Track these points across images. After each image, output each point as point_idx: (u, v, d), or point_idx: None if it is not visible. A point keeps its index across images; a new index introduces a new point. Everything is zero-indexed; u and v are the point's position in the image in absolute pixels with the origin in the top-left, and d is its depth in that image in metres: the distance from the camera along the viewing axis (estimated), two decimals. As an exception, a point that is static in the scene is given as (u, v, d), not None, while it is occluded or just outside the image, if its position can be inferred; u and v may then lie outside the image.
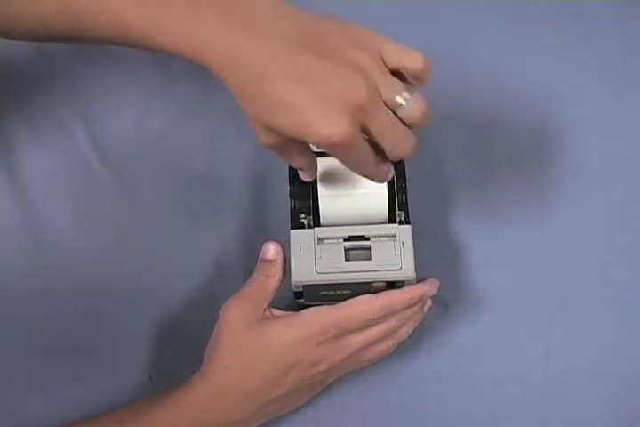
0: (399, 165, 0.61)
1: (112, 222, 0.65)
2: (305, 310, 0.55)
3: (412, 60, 0.49)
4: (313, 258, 0.57)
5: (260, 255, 0.59)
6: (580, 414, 0.63)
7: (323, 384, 0.59)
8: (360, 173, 0.52)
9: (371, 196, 0.59)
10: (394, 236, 0.58)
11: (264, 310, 0.56)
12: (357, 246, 0.58)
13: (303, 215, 0.59)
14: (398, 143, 0.49)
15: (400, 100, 0.48)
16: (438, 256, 0.66)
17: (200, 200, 0.67)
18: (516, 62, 0.74)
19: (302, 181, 0.60)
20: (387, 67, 0.48)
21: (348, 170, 0.55)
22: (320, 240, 0.58)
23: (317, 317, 0.55)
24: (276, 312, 0.57)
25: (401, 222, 0.59)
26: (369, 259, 0.57)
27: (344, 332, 0.55)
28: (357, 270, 0.57)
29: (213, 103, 0.70)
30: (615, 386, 0.63)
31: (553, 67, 0.74)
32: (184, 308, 0.64)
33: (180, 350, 0.63)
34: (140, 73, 0.71)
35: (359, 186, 0.59)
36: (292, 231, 0.58)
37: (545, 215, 0.69)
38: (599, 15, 0.76)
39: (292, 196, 0.60)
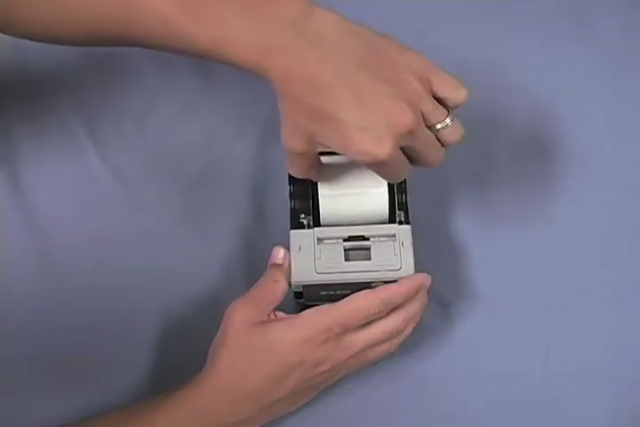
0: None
1: (112, 222, 0.65)
2: (305, 311, 0.55)
3: (457, 95, 0.53)
4: (313, 258, 0.57)
5: (270, 259, 0.59)
6: (580, 414, 0.63)
7: (326, 384, 0.59)
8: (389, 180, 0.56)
9: (371, 195, 0.59)
10: (393, 236, 0.58)
11: (269, 314, 0.56)
12: (357, 247, 0.58)
13: (303, 215, 0.59)
14: (431, 158, 0.54)
15: (442, 126, 0.53)
16: (438, 256, 0.66)
17: (200, 200, 0.67)
18: (516, 62, 0.74)
19: (302, 182, 0.60)
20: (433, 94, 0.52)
21: (348, 170, 0.56)
22: (320, 240, 0.58)
23: (318, 316, 0.55)
24: (280, 315, 0.57)
25: (401, 222, 0.59)
26: (368, 259, 0.57)
27: (346, 329, 0.55)
28: (357, 271, 0.57)
29: (213, 103, 0.70)
30: (615, 386, 0.63)
31: (553, 67, 0.74)
32: (185, 308, 0.64)
33: (181, 350, 0.63)
34: (140, 73, 0.71)
35: (359, 186, 0.59)
36: (292, 231, 0.58)
37: (545, 215, 0.69)
38: (599, 15, 0.76)
39: (291, 196, 0.60)
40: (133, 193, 0.67)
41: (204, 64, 0.70)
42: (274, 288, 0.57)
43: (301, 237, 0.58)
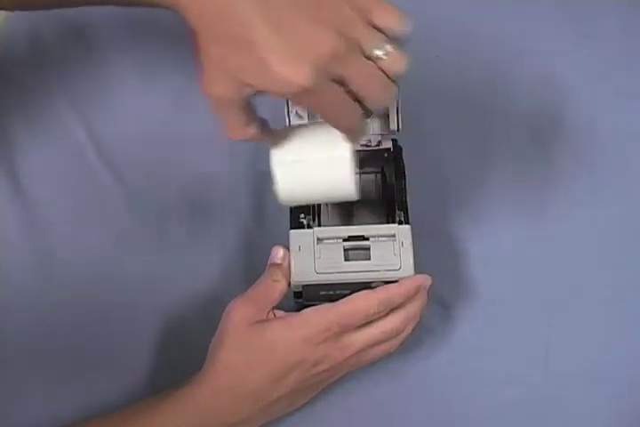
0: (399, 165, 0.61)
1: (112, 222, 0.65)
2: (305, 310, 0.55)
3: (397, 23, 0.48)
4: (312, 258, 0.57)
5: (269, 259, 0.59)
6: (580, 414, 0.63)
7: (325, 384, 0.59)
8: (338, 126, 0.50)
9: (334, 160, 0.52)
10: (393, 236, 0.58)
11: (267, 313, 0.56)
12: (357, 246, 0.58)
13: (303, 215, 0.59)
14: (374, 92, 0.49)
15: (380, 52, 0.48)
16: (438, 256, 0.66)
17: (200, 200, 0.68)
18: (516, 62, 0.75)
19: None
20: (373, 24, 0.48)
21: (305, 134, 0.53)
22: (319, 240, 0.58)
23: (317, 315, 0.55)
24: (279, 313, 0.57)
25: (400, 222, 0.59)
26: (368, 259, 0.57)
27: (345, 329, 0.55)
28: (357, 270, 0.57)
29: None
30: (615, 386, 0.63)
31: (553, 66, 0.75)
32: (185, 308, 0.65)
33: (181, 350, 0.63)
34: (140, 72, 0.71)
35: (318, 150, 0.53)
36: (292, 231, 0.58)
37: (545, 215, 0.69)
38: (599, 15, 0.76)
39: (291, 196, 0.60)
40: (133, 193, 0.67)
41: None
42: (273, 288, 0.57)
43: (301, 237, 0.58)
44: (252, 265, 0.64)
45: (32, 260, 0.65)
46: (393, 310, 0.56)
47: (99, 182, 0.67)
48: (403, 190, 0.60)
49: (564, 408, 0.63)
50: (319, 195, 0.54)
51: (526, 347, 0.65)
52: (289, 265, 0.58)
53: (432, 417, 0.63)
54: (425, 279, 0.57)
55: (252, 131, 0.50)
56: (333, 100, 0.48)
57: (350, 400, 0.62)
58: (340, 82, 0.47)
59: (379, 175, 0.65)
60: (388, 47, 0.48)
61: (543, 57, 0.75)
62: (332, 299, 0.56)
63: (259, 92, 0.48)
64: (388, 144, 0.62)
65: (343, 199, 0.55)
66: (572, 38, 0.75)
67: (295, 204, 0.57)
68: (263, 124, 0.51)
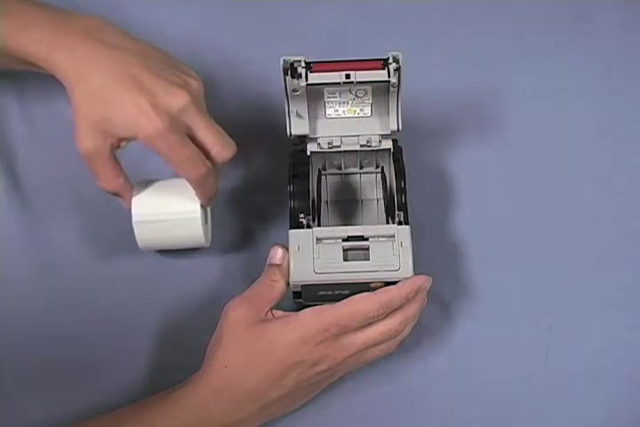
0: (399, 165, 0.61)
1: (111, 222, 0.65)
2: (304, 310, 0.55)
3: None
4: (311, 258, 0.57)
5: (268, 259, 0.59)
6: (580, 414, 0.63)
7: (324, 384, 0.59)
8: (190, 178, 0.58)
9: (185, 221, 0.60)
10: (392, 236, 0.58)
11: (266, 313, 0.56)
12: (356, 247, 0.58)
13: (302, 215, 0.59)
14: (214, 146, 0.58)
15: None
16: (438, 256, 0.66)
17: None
18: (516, 62, 0.74)
19: (302, 181, 0.60)
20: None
21: (161, 191, 0.61)
22: (319, 240, 0.58)
23: (317, 316, 0.55)
24: (277, 313, 0.57)
25: (400, 223, 0.59)
26: (367, 259, 0.57)
27: (344, 330, 0.55)
28: (356, 271, 0.57)
29: (213, 102, 0.70)
30: (615, 386, 0.63)
31: (553, 66, 0.74)
32: (185, 308, 0.65)
33: (181, 350, 0.63)
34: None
35: (173, 210, 0.61)
36: (291, 231, 0.58)
37: (545, 216, 0.69)
38: (599, 15, 0.76)
39: (291, 195, 0.60)
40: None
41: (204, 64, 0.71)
42: (271, 288, 0.57)
43: (300, 237, 0.58)
44: (252, 265, 0.64)
45: (32, 260, 0.65)
46: (392, 311, 0.56)
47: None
48: (403, 190, 0.60)
49: (564, 408, 0.63)
50: (173, 244, 0.63)
51: (526, 347, 0.65)
52: (288, 265, 0.58)
53: (432, 417, 0.63)
54: (425, 280, 0.57)
55: (121, 181, 0.59)
56: (182, 149, 0.57)
57: (350, 400, 0.62)
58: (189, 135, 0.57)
59: (379, 175, 0.65)
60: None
61: (543, 57, 0.75)
62: (331, 299, 0.56)
63: (122, 142, 0.57)
64: (388, 144, 0.62)
65: (195, 246, 0.64)
66: (572, 38, 0.75)
67: (153, 250, 0.65)
68: (126, 179, 0.59)
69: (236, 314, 0.56)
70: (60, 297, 0.64)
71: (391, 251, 0.57)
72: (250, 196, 0.68)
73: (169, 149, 0.56)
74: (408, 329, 0.58)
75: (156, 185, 0.61)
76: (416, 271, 0.57)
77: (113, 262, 0.65)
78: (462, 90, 0.73)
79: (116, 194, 0.60)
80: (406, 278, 0.57)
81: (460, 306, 0.66)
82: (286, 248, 0.58)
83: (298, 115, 0.61)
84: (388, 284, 0.57)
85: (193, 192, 0.60)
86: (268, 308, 0.56)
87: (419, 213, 0.61)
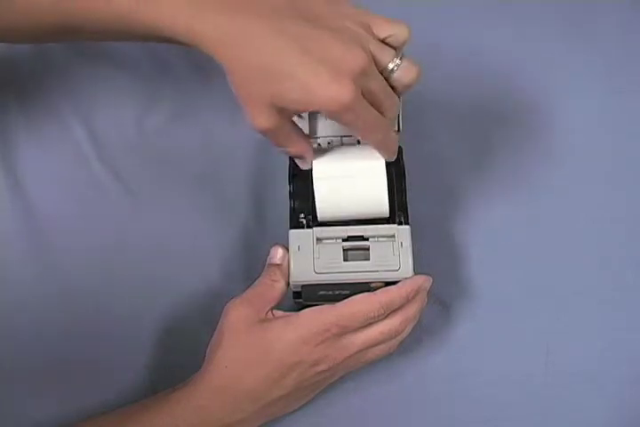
0: (399, 165, 0.61)
1: (112, 222, 0.65)
2: (304, 310, 0.55)
3: (399, 31, 0.51)
4: (311, 258, 0.57)
5: (268, 259, 0.59)
6: (580, 414, 0.63)
7: (324, 384, 0.59)
8: (374, 141, 0.53)
9: (368, 178, 0.57)
10: (392, 236, 0.58)
11: (266, 313, 0.56)
12: (356, 247, 0.58)
13: (302, 215, 0.59)
14: (388, 106, 0.52)
15: (393, 65, 0.51)
16: (438, 256, 0.67)
17: (200, 199, 0.67)
18: (516, 62, 0.75)
19: (302, 181, 0.60)
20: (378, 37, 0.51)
21: (344, 155, 0.56)
22: (319, 240, 0.58)
23: (317, 316, 0.55)
24: (278, 313, 0.57)
25: (400, 223, 0.59)
26: (367, 259, 0.57)
27: (345, 331, 0.55)
28: (356, 271, 0.57)
29: (213, 101, 0.70)
30: (615, 386, 0.63)
31: (553, 66, 0.75)
32: (185, 308, 0.65)
33: (181, 350, 0.63)
34: (139, 72, 0.71)
35: (356, 166, 0.57)
36: (291, 231, 0.58)
37: (545, 216, 0.69)
38: (599, 15, 0.76)
39: (291, 195, 0.60)
40: (133, 193, 0.67)
41: (203, 65, 0.70)
42: (272, 288, 0.57)
43: (300, 237, 0.58)
44: (252, 265, 0.64)
45: (32, 259, 0.65)
46: (392, 311, 0.56)
47: (98, 182, 0.67)
48: (403, 190, 0.60)
49: (564, 408, 0.63)
50: (355, 209, 0.57)
51: (526, 347, 0.65)
52: (288, 265, 0.58)
53: (432, 417, 0.63)
54: (425, 280, 0.57)
55: (305, 144, 0.54)
56: (367, 115, 0.50)
57: (350, 400, 0.62)
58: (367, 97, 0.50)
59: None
60: (397, 60, 0.50)
61: (543, 57, 0.75)
62: (331, 299, 0.56)
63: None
64: None
65: (375, 214, 0.58)
66: (572, 38, 0.75)
67: (331, 218, 0.58)
68: (308, 140, 0.55)
69: (237, 314, 0.56)
70: (59, 297, 0.64)
71: (391, 251, 0.57)
72: (250, 195, 0.68)
73: (355, 120, 0.50)
74: (408, 329, 0.58)
75: (336, 149, 0.58)
76: (416, 271, 0.57)
77: (112, 263, 0.65)
78: (462, 90, 0.73)
79: (297, 156, 0.56)
80: (406, 278, 0.57)
81: (460, 306, 0.66)
82: (286, 248, 0.58)
83: (298, 115, 0.61)
84: (388, 284, 0.57)
85: (374, 151, 0.56)
86: (268, 308, 0.56)
87: (419, 213, 0.61)
